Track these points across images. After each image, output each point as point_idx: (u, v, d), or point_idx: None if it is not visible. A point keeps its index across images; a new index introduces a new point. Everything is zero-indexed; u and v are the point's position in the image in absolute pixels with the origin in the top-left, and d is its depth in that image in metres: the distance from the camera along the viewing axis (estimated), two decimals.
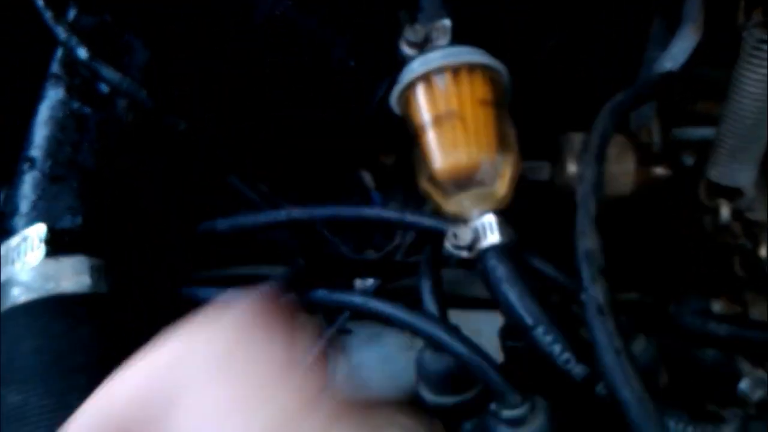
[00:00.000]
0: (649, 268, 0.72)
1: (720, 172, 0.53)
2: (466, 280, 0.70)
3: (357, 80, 0.63)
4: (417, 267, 0.65)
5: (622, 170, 0.63)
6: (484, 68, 0.53)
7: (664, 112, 0.64)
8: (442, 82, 0.53)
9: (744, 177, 0.53)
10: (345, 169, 0.77)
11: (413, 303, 0.59)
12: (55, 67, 0.68)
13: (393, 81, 0.61)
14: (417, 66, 0.54)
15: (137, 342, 0.59)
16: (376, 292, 0.69)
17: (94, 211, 0.63)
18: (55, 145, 0.64)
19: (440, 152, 0.51)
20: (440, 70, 0.53)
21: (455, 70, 0.52)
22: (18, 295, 0.57)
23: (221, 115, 0.75)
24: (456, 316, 0.72)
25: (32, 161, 0.64)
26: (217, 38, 0.61)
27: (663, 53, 0.62)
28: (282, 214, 0.67)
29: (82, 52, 0.66)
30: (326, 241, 0.77)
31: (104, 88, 0.67)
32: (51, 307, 0.57)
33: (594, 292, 0.46)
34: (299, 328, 0.72)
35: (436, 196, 0.52)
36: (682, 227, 0.63)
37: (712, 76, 0.57)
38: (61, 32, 0.65)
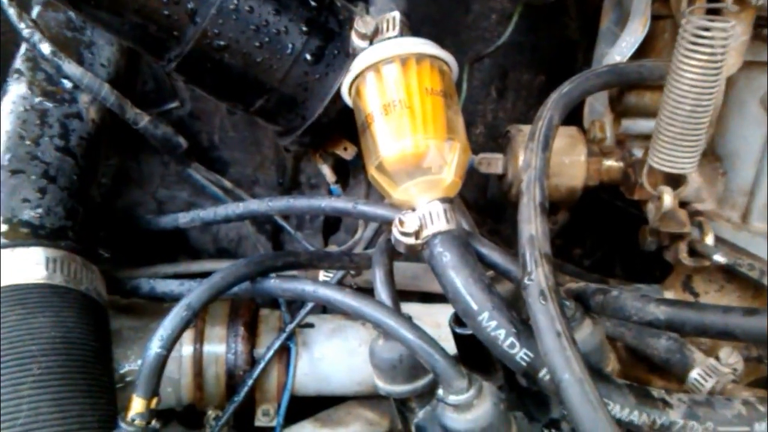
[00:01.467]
0: (607, 260, 0.73)
1: (662, 159, 0.54)
2: (427, 274, 0.70)
3: (313, 73, 0.64)
4: (363, 259, 0.66)
5: (573, 161, 0.64)
6: (432, 58, 0.54)
7: (616, 106, 0.65)
8: (391, 71, 0.53)
9: (686, 163, 0.53)
10: (309, 165, 0.78)
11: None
12: (18, 63, 0.68)
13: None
14: (366, 56, 0.55)
15: (92, 333, 0.60)
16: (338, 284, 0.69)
17: (52, 204, 0.63)
18: (15, 138, 0.65)
19: (388, 140, 0.51)
20: (389, 60, 0.53)
21: (403, 61, 0.53)
22: None
23: (182, 108, 0.76)
24: (417, 309, 0.73)
25: None
26: (171, 30, 0.61)
27: (612, 47, 0.63)
28: (239, 207, 0.67)
29: (45, 48, 0.66)
30: (290, 237, 0.78)
31: (67, 83, 0.68)
32: (5, 297, 0.57)
33: (536, 277, 0.46)
34: (261, 322, 0.73)
35: (385, 185, 0.52)
36: (634, 218, 0.64)
37: (654, 65, 0.58)
38: (24, 28, 0.66)
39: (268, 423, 0.73)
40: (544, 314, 0.46)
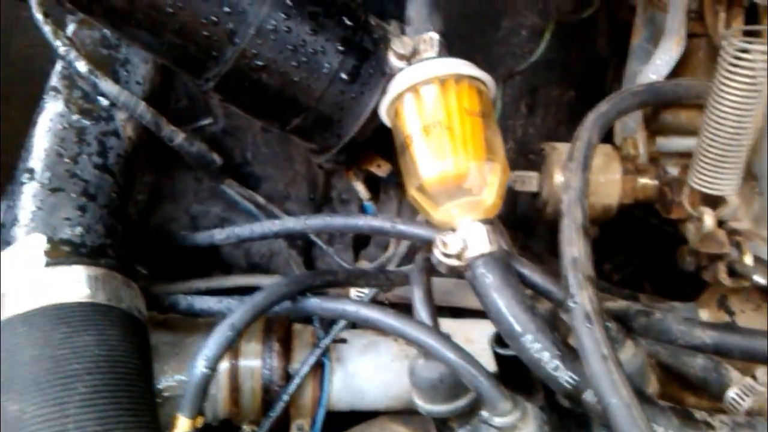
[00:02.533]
0: (637, 275, 0.73)
1: (703, 181, 0.54)
2: (459, 290, 0.71)
3: (349, 92, 0.64)
4: (401, 276, 0.66)
5: (608, 180, 0.64)
6: (470, 79, 0.54)
7: (649, 123, 0.65)
8: (430, 93, 0.54)
9: (727, 185, 0.54)
10: (339, 179, 0.79)
11: (408, 312, 0.60)
12: (55, 80, 0.69)
13: (384, 93, 0.63)
14: (405, 77, 0.55)
15: (135, 350, 0.61)
16: (372, 302, 0.69)
17: (92, 222, 0.64)
18: (54, 156, 0.66)
19: (428, 161, 0.52)
20: (428, 82, 0.54)
21: (442, 82, 0.53)
22: (17, 305, 0.58)
23: (215, 124, 0.77)
24: (449, 325, 0.74)
25: (31, 172, 0.65)
26: (211, 50, 0.62)
27: (646, 65, 0.64)
28: (276, 225, 0.68)
29: (81, 66, 0.67)
30: (322, 252, 0.78)
31: (103, 101, 0.68)
32: (49, 316, 0.58)
33: (581, 300, 0.47)
34: (295, 337, 0.73)
35: (425, 206, 0.53)
36: (668, 235, 0.64)
37: (692, 85, 0.58)
38: (60, 46, 0.67)
39: None
40: (589, 338, 0.46)
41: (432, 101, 0.55)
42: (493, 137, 0.55)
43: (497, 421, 0.49)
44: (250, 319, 0.55)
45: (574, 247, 0.49)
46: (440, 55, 0.58)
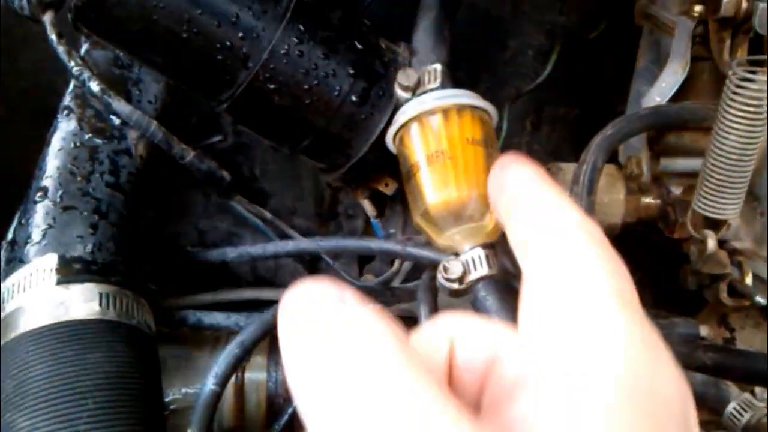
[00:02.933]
0: (638, 290, 0.74)
1: (707, 205, 0.55)
2: (464, 305, 0.72)
3: (359, 114, 0.65)
4: (414, 293, 0.67)
5: (612, 199, 0.65)
6: (472, 109, 0.56)
7: (653, 143, 0.66)
8: (434, 123, 0.55)
9: (730, 209, 0.55)
10: (347, 195, 0.80)
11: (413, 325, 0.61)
12: (68, 100, 0.70)
13: (392, 116, 0.64)
14: (410, 108, 0.56)
15: (144, 366, 0.62)
16: None
17: (103, 240, 0.65)
18: (66, 175, 0.67)
19: (432, 189, 0.53)
20: (432, 112, 0.55)
21: (445, 112, 0.55)
22: (29, 322, 0.59)
23: (224, 141, 0.78)
24: None
25: (44, 191, 0.66)
26: (224, 73, 0.63)
27: (651, 88, 0.65)
28: (289, 245, 0.69)
29: (94, 85, 0.68)
30: (328, 266, 0.79)
31: (115, 120, 0.69)
32: (60, 333, 0.59)
33: None
34: None
35: (429, 231, 0.54)
36: (669, 253, 0.65)
37: (696, 109, 0.59)
38: (74, 66, 0.68)
39: None
40: None
41: (435, 131, 0.56)
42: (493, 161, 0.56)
43: None
44: (260, 337, 0.57)
45: None
46: (443, 85, 0.59)
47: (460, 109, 0.55)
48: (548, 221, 0.26)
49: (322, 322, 0.22)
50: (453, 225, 0.53)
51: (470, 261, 0.52)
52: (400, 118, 0.57)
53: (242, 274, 0.81)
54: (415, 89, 0.58)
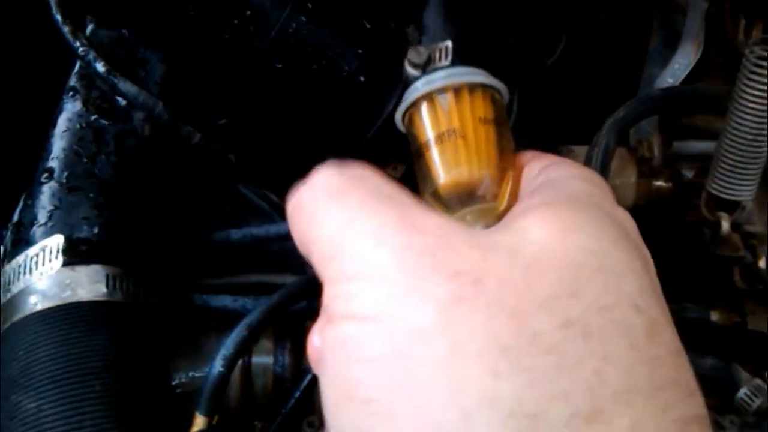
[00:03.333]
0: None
1: (721, 186, 0.54)
2: None
3: (367, 95, 0.65)
4: None
5: (624, 183, 0.64)
6: (484, 88, 0.54)
7: (665, 126, 0.66)
8: (445, 101, 0.54)
9: (745, 191, 0.54)
10: None
11: None
12: (73, 81, 0.70)
13: (400, 97, 0.63)
14: (420, 86, 0.55)
15: (151, 349, 0.61)
16: None
17: (110, 222, 0.64)
18: (72, 156, 0.66)
19: (443, 169, 0.52)
20: (442, 90, 0.54)
21: (456, 90, 0.53)
22: (35, 304, 0.58)
23: (233, 126, 0.77)
24: None
25: (50, 172, 0.65)
26: (231, 52, 0.63)
27: (664, 69, 0.64)
28: None
29: (100, 66, 0.67)
30: None
31: (121, 101, 0.69)
32: (67, 315, 0.58)
33: None
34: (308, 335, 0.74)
35: (440, 211, 0.53)
36: (683, 239, 0.64)
37: (710, 90, 0.59)
38: (79, 46, 0.67)
39: None
40: None
41: (446, 110, 0.55)
42: (507, 144, 0.55)
43: None
44: (267, 320, 0.56)
45: None
46: (454, 63, 0.58)
47: (472, 87, 0.54)
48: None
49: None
50: (464, 205, 0.52)
51: None
52: (410, 96, 0.56)
53: (249, 259, 0.81)
54: (426, 67, 0.57)
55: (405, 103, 0.55)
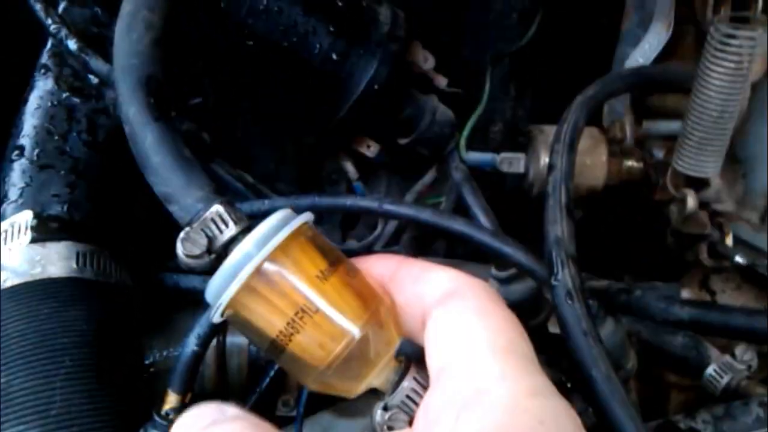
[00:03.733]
0: (619, 255, 0.74)
1: (687, 163, 0.55)
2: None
3: (339, 73, 0.65)
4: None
5: (595, 162, 0.65)
6: (293, 238, 0.38)
7: (637, 107, 0.66)
8: (266, 283, 0.37)
9: (710, 167, 0.54)
10: (328, 159, 0.79)
11: None
12: (45, 58, 0.69)
13: (374, 75, 0.63)
14: (223, 285, 0.37)
15: (122, 326, 0.61)
16: None
17: (81, 199, 0.64)
18: (43, 134, 0.66)
19: (318, 351, 0.38)
20: (254, 275, 0.36)
21: (273, 264, 0.36)
22: (5, 280, 0.58)
23: (205, 103, 0.77)
24: None
25: (21, 149, 0.65)
26: (203, 31, 0.62)
27: (634, 49, 0.64)
28: (265, 204, 0.68)
29: (72, 44, 0.67)
30: None
31: (93, 79, 0.68)
32: (36, 291, 0.58)
33: (563, 278, 0.48)
34: None
35: (341, 388, 0.40)
36: (651, 216, 0.65)
37: (679, 70, 0.59)
38: (51, 23, 0.66)
39: (288, 413, 0.74)
40: (571, 314, 0.47)
41: (275, 291, 0.37)
42: (357, 276, 0.40)
43: None
44: None
45: (557, 226, 0.50)
46: (242, 231, 0.39)
47: (284, 249, 0.37)
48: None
49: None
50: (365, 369, 0.39)
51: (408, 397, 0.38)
52: (224, 298, 0.37)
53: None
54: (211, 250, 0.39)
55: (220, 307, 0.38)
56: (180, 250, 0.39)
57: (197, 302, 0.76)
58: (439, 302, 0.35)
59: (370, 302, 0.39)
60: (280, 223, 0.38)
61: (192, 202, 0.41)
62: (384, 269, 0.38)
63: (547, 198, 0.52)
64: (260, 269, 0.37)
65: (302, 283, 0.37)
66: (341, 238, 0.81)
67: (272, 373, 0.71)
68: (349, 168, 0.72)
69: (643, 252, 0.71)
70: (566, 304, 0.47)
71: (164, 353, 0.72)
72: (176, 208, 0.42)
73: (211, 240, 0.39)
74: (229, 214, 0.40)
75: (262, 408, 0.74)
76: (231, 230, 0.39)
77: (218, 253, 0.38)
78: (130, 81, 0.45)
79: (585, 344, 0.46)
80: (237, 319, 0.39)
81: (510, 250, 0.54)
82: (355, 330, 0.37)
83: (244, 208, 0.69)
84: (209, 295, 0.37)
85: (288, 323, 0.37)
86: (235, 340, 0.73)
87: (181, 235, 0.39)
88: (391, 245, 0.71)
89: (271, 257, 0.37)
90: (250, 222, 0.40)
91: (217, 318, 0.38)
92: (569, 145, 0.55)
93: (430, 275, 0.37)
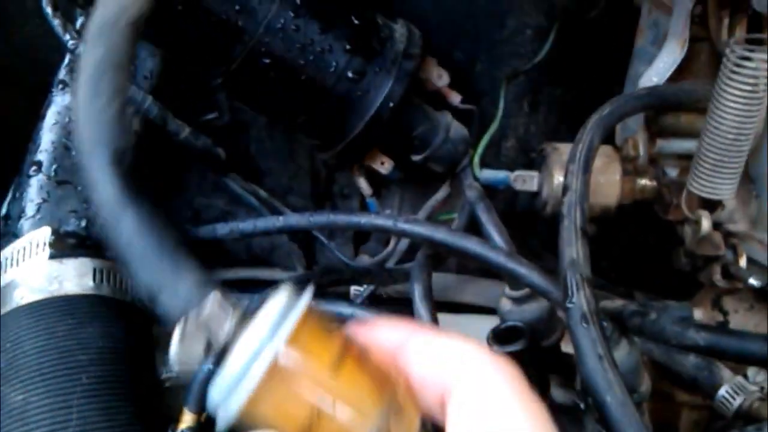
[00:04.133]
0: (633, 276, 0.74)
1: (702, 185, 0.55)
2: (458, 286, 0.72)
3: (354, 91, 0.65)
4: (402, 274, 0.68)
5: (608, 181, 0.65)
6: (302, 324, 0.33)
7: (651, 125, 0.66)
8: (282, 379, 0.33)
9: (726, 190, 0.54)
10: (341, 174, 0.80)
11: (406, 308, 0.61)
12: (63, 74, 0.70)
13: (387, 95, 0.63)
14: (231, 389, 0.32)
15: (138, 342, 0.62)
16: (370, 299, 0.71)
17: (96, 215, 0.64)
18: (61, 149, 0.66)
19: None
20: (268, 369, 0.32)
21: (285, 355, 0.32)
22: (22, 296, 0.59)
23: (220, 119, 0.77)
24: (447, 320, 0.75)
25: (39, 165, 0.65)
26: (220, 48, 0.63)
27: (648, 68, 0.64)
28: (279, 221, 0.68)
29: None
30: (322, 246, 0.79)
31: None
32: (54, 308, 0.59)
33: (578, 301, 0.48)
34: None
35: None
36: (664, 235, 0.65)
37: (694, 89, 0.59)
38: (69, 39, 0.67)
39: None
40: (586, 338, 0.47)
41: (289, 391, 0.33)
42: (369, 359, 0.36)
43: None
44: None
45: (572, 248, 0.50)
46: (238, 320, 0.34)
47: (297, 335, 0.33)
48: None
49: None
50: None
51: None
52: (232, 400, 0.32)
53: (237, 254, 0.81)
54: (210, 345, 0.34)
55: (231, 411, 0.32)
56: (177, 351, 0.34)
57: None
58: (460, 380, 0.32)
59: (386, 387, 0.35)
60: (286, 308, 0.33)
61: (185, 290, 0.35)
62: (393, 340, 0.35)
63: (562, 219, 0.52)
64: (275, 366, 0.32)
65: (318, 376, 0.33)
66: (354, 253, 0.81)
67: None
68: (362, 184, 0.73)
69: (656, 270, 0.71)
70: (581, 328, 0.47)
71: (177, 369, 0.72)
72: (166, 297, 0.36)
73: (211, 334, 0.34)
74: (227, 301, 0.35)
75: None
76: (232, 321, 0.34)
77: (220, 350, 0.33)
78: (99, 161, 0.39)
79: (599, 369, 0.46)
80: (245, 423, 0.34)
81: (525, 271, 0.54)
82: (375, 422, 0.34)
83: (259, 225, 0.70)
84: (215, 401, 0.32)
85: (305, 424, 0.34)
86: None
87: (176, 333, 0.34)
88: (404, 262, 0.71)
89: (284, 350, 0.32)
90: (250, 307, 0.35)
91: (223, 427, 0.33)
92: (584, 165, 0.55)
93: (445, 347, 0.34)
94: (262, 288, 0.76)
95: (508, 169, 0.71)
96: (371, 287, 0.71)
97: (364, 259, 0.76)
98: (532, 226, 0.76)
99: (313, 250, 0.81)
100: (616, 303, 0.54)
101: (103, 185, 0.39)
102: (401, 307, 0.64)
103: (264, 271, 0.78)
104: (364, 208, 0.78)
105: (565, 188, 0.54)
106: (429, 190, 0.77)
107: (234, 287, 0.75)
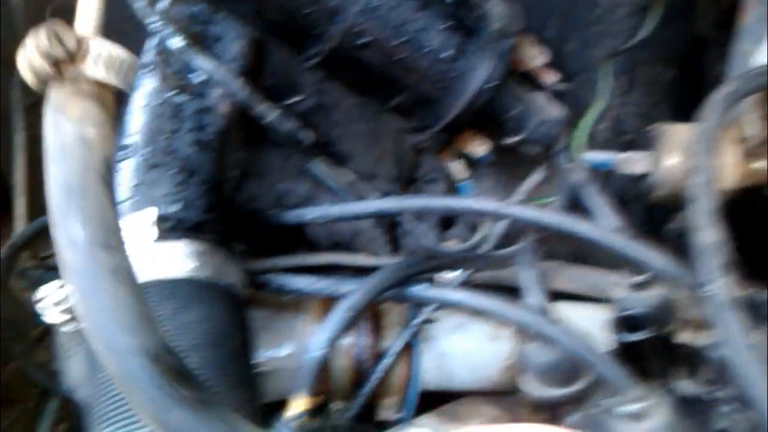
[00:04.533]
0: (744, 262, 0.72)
1: None
2: (556, 273, 0.69)
3: (449, 72, 0.63)
4: (508, 259, 0.66)
5: (723, 164, 0.62)
6: None
7: (763, 104, 0.63)
8: None
9: None
10: (427, 159, 0.78)
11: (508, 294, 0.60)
12: (150, 56, 0.68)
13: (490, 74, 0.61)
14: None
15: (238, 326, 0.61)
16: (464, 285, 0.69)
17: (192, 198, 0.63)
18: (151, 132, 0.65)
19: None
20: None
21: None
22: None
23: (304, 102, 0.75)
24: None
25: (130, 148, 0.64)
26: (313, 29, 0.61)
27: (758, 45, 0.61)
28: (372, 206, 0.67)
29: (175, 42, 0.66)
30: (406, 232, 0.77)
31: (197, 77, 0.67)
32: (157, 292, 0.58)
33: (720, 287, 0.46)
34: (384, 316, 0.72)
35: None
36: None
37: None
38: (155, 22, 0.66)
39: (390, 416, 0.73)
40: (732, 327, 0.45)
41: None
42: None
43: (626, 408, 0.48)
44: (368, 302, 0.55)
45: (710, 232, 0.48)
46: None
47: None
48: None
49: None
50: None
51: None
52: None
53: (319, 239, 0.80)
54: None
55: None
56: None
57: (297, 304, 0.75)
58: None
59: None
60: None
61: None
62: None
63: (693, 203, 0.50)
64: None
65: None
66: (437, 240, 0.79)
67: (378, 374, 0.70)
68: (456, 167, 0.71)
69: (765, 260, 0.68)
70: (726, 316, 0.45)
71: (267, 354, 0.71)
72: None
73: None
74: None
75: (365, 410, 0.73)
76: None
77: None
78: (136, 367, 0.34)
79: (748, 360, 0.44)
80: None
81: (652, 256, 0.52)
82: None
83: (348, 210, 0.68)
84: None
85: None
86: (340, 342, 0.72)
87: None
88: (500, 248, 0.69)
89: None
90: None
91: None
92: (711, 145, 0.53)
93: None
94: (345, 273, 0.75)
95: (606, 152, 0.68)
96: (464, 273, 0.69)
97: (455, 245, 0.74)
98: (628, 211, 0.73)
99: (395, 236, 0.79)
100: (748, 290, 0.51)
101: (150, 398, 0.35)
102: (499, 293, 0.62)
103: (348, 256, 0.76)
104: (451, 192, 0.76)
105: (693, 170, 0.52)
106: (518, 173, 0.74)
107: (318, 272, 0.74)
